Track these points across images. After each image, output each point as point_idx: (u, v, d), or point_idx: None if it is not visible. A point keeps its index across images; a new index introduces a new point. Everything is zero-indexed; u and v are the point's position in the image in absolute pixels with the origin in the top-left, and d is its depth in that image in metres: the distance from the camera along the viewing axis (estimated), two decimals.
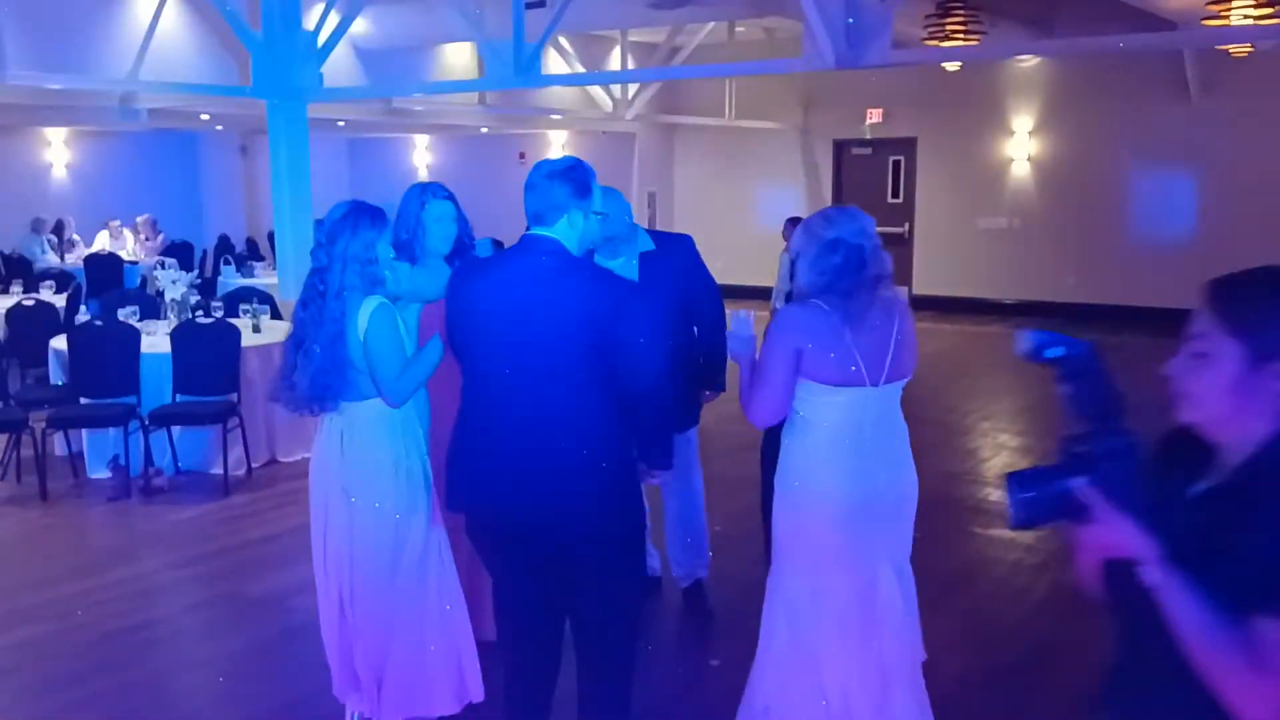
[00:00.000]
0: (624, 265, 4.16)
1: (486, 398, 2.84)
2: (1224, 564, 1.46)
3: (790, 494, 3.05)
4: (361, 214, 3.24)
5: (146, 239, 13.80)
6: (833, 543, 2.98)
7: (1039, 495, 1.63)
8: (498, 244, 4.55)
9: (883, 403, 3.00)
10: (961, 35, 10.02)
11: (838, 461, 2.97)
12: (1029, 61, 13.57)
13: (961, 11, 9.96)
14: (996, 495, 6.36)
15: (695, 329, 4.31)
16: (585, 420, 2.77)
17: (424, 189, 3.89)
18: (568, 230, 2.82)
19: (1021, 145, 14.08)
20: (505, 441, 2.80)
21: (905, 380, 3.04)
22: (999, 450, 7.46)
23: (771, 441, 3.91)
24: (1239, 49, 10.67)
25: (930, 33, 10.12)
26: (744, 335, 3.09)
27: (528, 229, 2.86)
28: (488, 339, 2.82)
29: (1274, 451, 1.53)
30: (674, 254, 4.27)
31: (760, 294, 10.50)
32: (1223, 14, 8.63)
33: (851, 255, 2.92)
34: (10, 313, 8.15)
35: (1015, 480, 1.65)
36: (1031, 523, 1.67)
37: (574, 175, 2.84)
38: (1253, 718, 1.43)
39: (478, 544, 3.03)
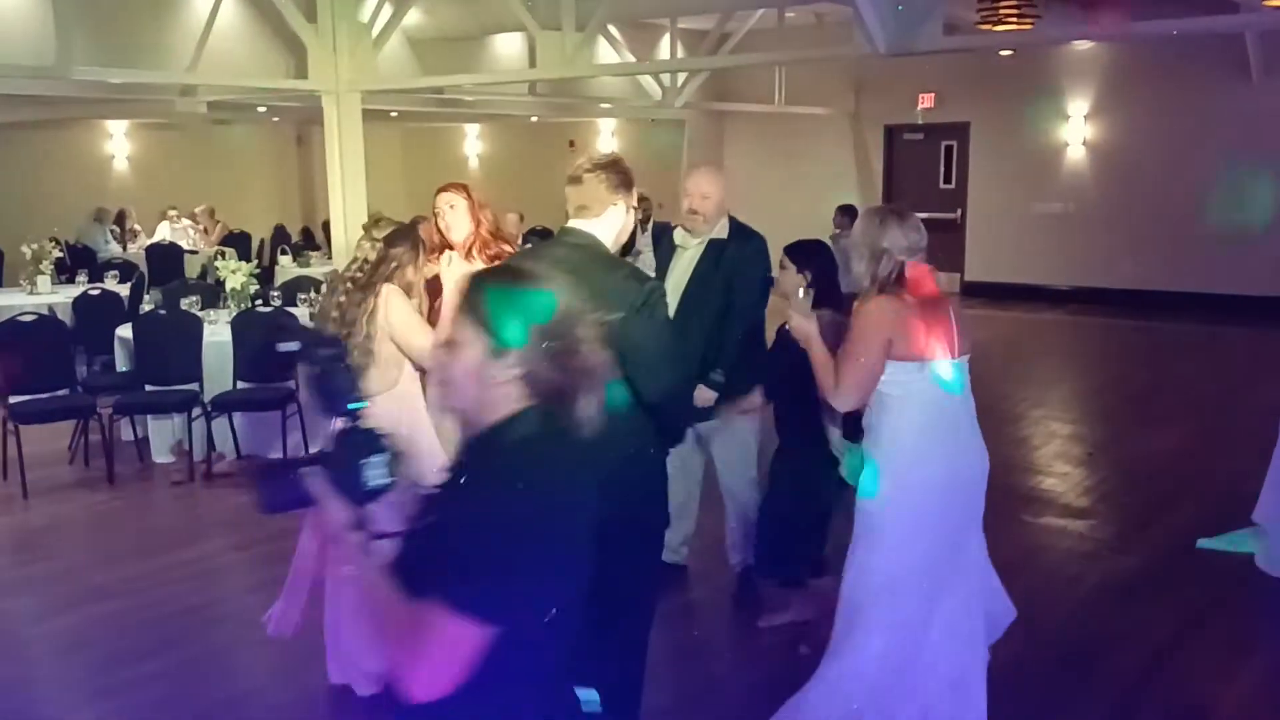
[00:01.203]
0: (696, 247, 4.26)
1: None
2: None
3: (893, 470, 3.13)
4: None
5: (205, 229, 14.08)
6: (935, 511, 3.11)
7: (278, 483, 1.79)
8: None
9: (961, 375, 3.17)
10: (1015, 19, 9.86)
11: (933, 432, 3.12)
12: (1085, 45, 13.34)
13: None
14: (1049, 483, 6.32)
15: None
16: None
17: None
18: (608, 223, 2.85)
19: (1077, 129, 13.86)
20: None
21: (969, 355, 3.22)
22: (1050, 438, 7.40)
23: (792, 454, 3.97)
24: None
25: (983, 17, 9.97)
26: (805, 310, 3.27)
27: (570, 222, 2.91)
28: None
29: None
30: (739, 250, 4.30)
31: None
32: None
33: (895, 267, 3.11)
34: (77, 302, 8.37)
35: (259, 473, 1.82)
36: (274, 508, 1.80)
37: (619, 169, 2.87)
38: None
39: None
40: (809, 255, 3.94)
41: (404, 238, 3.73)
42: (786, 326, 3.34)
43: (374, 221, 3.83)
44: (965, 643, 3.19)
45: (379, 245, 3.68)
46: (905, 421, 3.12)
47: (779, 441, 4.25)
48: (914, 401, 3.10)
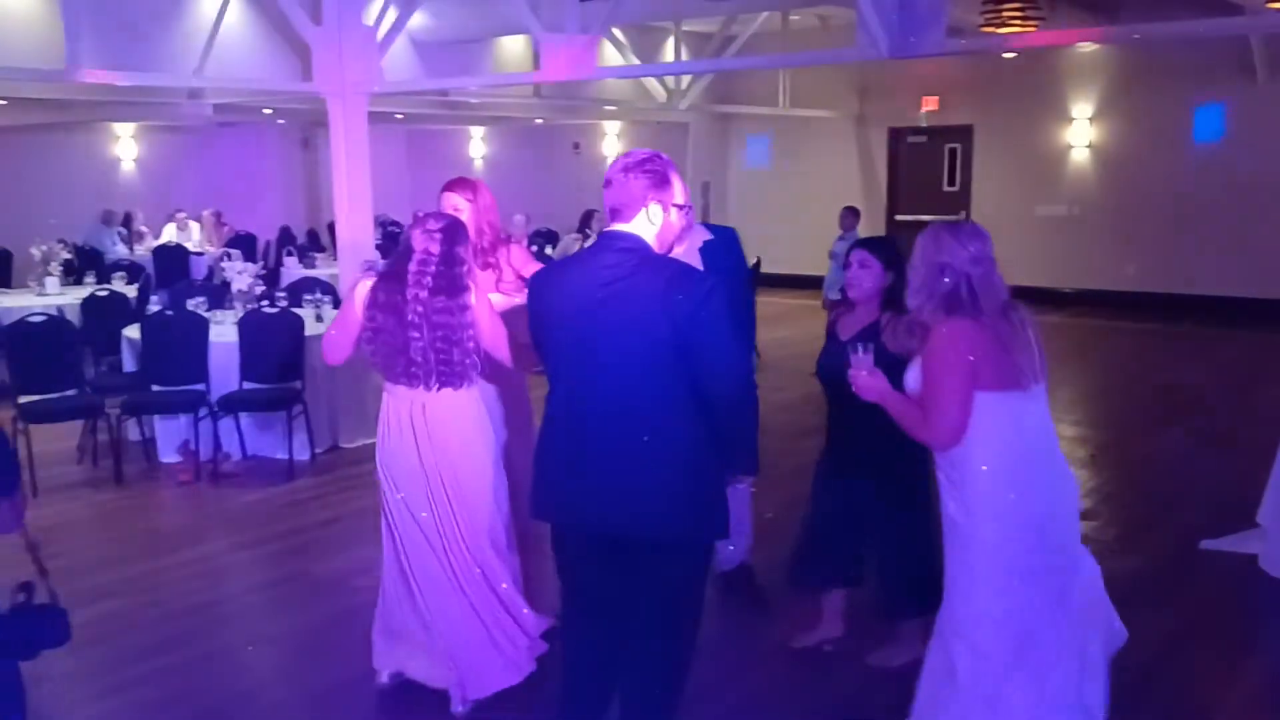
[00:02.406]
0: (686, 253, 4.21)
1: (569, 401, 2.81)
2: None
3: (994, 512, 2.95)
4: None
5: (210, 238, 14.13)
6: (1048, 548, 2.97)
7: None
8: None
9: (1043, 402, 3.03)
10: (1019, 22, 9.88)
11: (1029, 465, 2.97)
12: (1089, 47, 13.35)
13: None
14: None
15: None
16: (668, 420, 2.71)
17: None
18: (646, 225, 2.77)
19: (1081, 132, 13.87)
20: (587, 445, 2.77)
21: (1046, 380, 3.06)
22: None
23: (836, 468, 3.85)
24: None
25: (986, 19, 10.00)
26: (869, 367, 3.05)
27: (607, 226, 2.83)
28: (567, 340, 2.78)
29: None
30: (719, 246, 4.23)
31: (815, 284, 10.49)
32: None
33: (960, 282, 2.91)
34: (85, 302, 8.41)
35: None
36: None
37: (651, 167, 2.78)
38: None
39: (559, 552, 2.99)
40: (892, 252, 3.69)
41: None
42: (851, 385, 3.08)
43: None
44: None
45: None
46: (995, 453, 2.93)
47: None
48: (1009, 435, 2.93)
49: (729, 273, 4.15)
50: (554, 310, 2.81)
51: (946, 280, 2.91)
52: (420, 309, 3.47)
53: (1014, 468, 2.94)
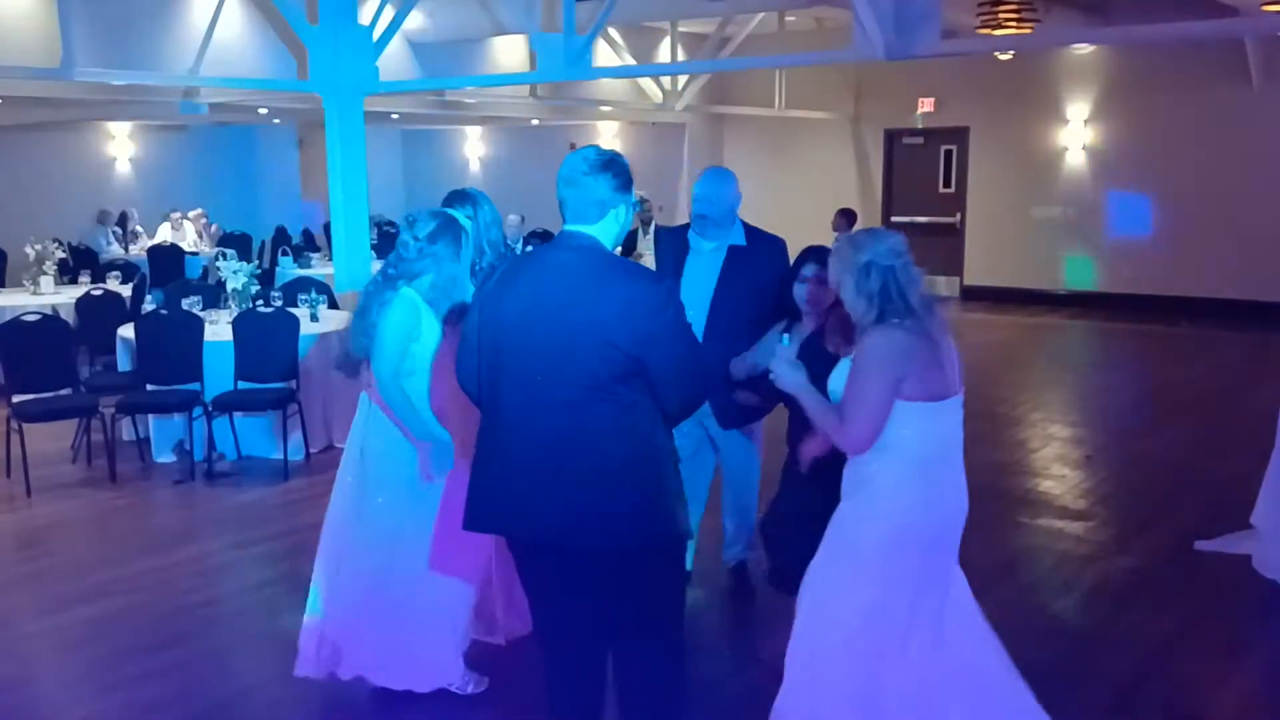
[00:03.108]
0: (713, 252, 4.22)
1: (517, 406, 2.72)
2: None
3: (887, 512, 2.98)
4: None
5: (200, 233, 14.12)
6: (928, 555, 3.00)
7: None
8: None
9: (958, 413, 3.04)
10: (1014, 23, 9.91)
11: (934, 475, 2.98)
12: (1084, 49, 13.38)
13: None
14: (1046, 485, 6.35)
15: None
16: (623, 425, 2.67)
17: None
18: (611, 226, 2.72)
19: (1076, 134, 13.89)
20: (538, 450, 2.69)
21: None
22: (1048, 441, 7.42)
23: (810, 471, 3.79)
24: None
25: (983, 21, 10.02)
26: (790, 359, 3.07)
27: (566, 225, 2.76)
28: (519, 343, 2.70)
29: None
30: (763, 255, 4.27)
31: None
32: None
33: (887, 276, 2.90)
34: (80, 302, 8.40)
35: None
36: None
37: (618, 167, 2.72)
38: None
39: (522, 565, 2.93)
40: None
41: None
42: (770, 376, 3.10)
43: None
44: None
45: None
46: (906, 460, 2.95)
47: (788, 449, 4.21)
48: (916, 440, 2.94)
49: (763, 278, 4.11)
50: (506, 313, 2.74)
51: (873, 278, 2.89)
52: None
53: (915, 477, 2.95)
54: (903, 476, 2.95)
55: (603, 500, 2.68)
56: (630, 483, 2.70)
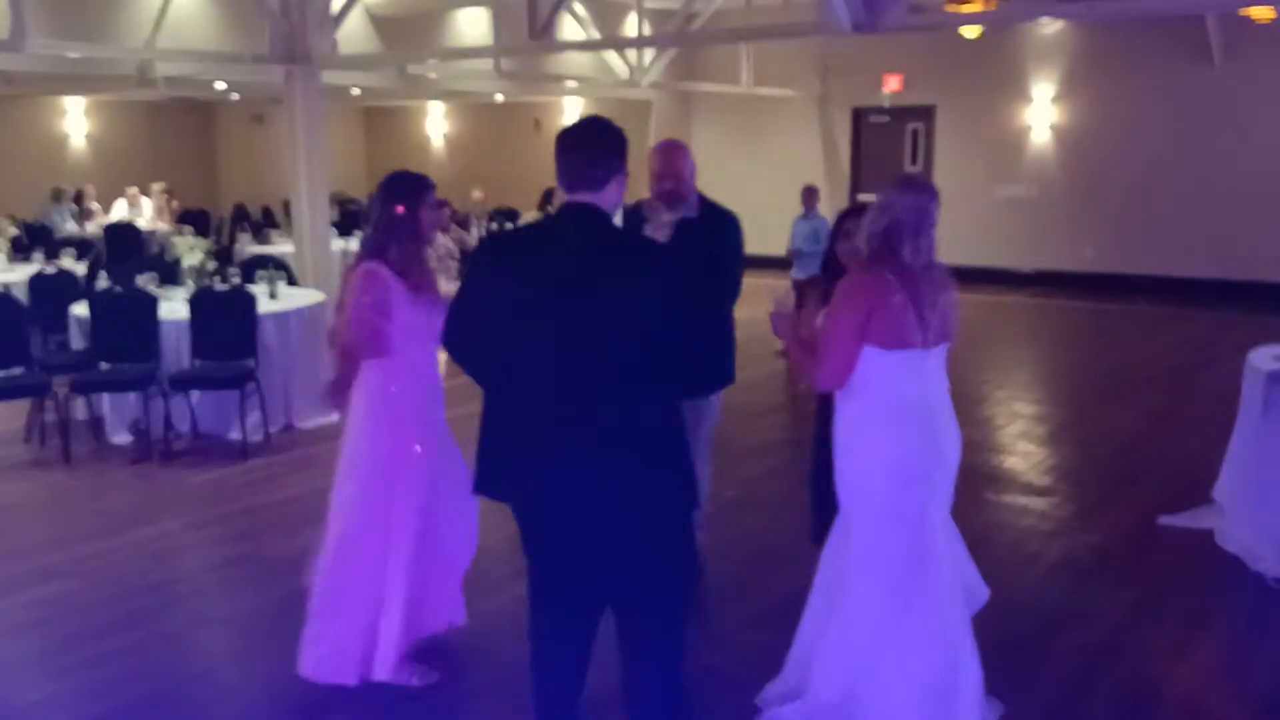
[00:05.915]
0: (666, 225, 4.17)
1: (528, 383, 2.68)
2: None
3: (849, 457, 3.12)
4: None
5: (160, 208, 13.85)
6: (892, 502, 3.08)
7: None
8: None
9: (932, 364, 3.11)
10: None
11: (895, 423, 3.05)
12: (1050, 27, 13.41)
13: None
14: (1011, 462, 6.37)
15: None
16: (638, 402, 2.66)
17: None
18: (614, 192, 2.70)
19: (1042, 113, 13.94)
20: (555, 426, 2.66)
21: (949, 344, 3.17)
22: (1014, 418, 7.46)
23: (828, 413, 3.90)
24: (1263, 14, 10.50)
25: None
26: (788, 308, 3.26)
27: (571, 196, 2.69)
28: (536, 317, 2.64)
29: None
30: (714, 230, 4.21)
31: (777, 264, 10.47)
32: None
33: (894, 223, 3.03)
34: (33, 280, 8.21)
35: None
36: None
37: (618, 135, 2.72)
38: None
39: (526, 533, 2.89)
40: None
41: None
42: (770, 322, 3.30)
43: None
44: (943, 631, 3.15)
45: None
46: (869, 408, 3.06)
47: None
48: (880, 388, 3.04)
49: (717, 258, 4.10)
50: (518, 287, 2.67)
51: (883, 218, 3.05)
52: None
53: (877, 423, 3.06)
54: (861, 421, 3.08)
55: (642, 472, 2.68)
56: (665, 454, 2.72)
